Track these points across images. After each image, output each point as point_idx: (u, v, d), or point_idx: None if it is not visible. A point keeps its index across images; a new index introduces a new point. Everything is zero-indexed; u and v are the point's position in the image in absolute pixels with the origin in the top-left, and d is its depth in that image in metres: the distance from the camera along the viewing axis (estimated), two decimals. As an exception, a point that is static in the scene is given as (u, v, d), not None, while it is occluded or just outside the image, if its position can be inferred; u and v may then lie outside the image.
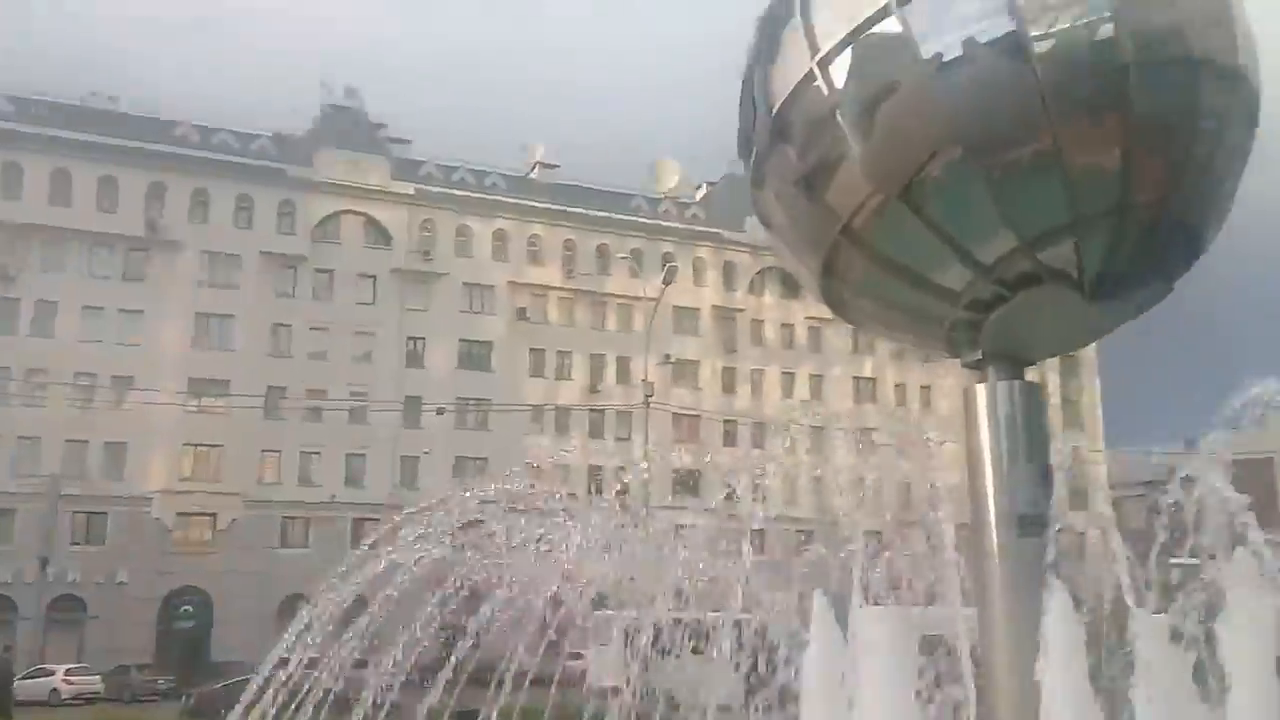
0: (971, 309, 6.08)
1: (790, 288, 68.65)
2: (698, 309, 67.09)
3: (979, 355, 6.33)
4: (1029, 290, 5.90)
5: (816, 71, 5.96)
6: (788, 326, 68.96)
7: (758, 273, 69.25)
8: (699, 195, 73.77)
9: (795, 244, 6.72)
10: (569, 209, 65.98)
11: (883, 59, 5.79)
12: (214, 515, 54.57)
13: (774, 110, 6.27)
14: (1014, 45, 5.47)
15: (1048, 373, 71.65)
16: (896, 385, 68.70)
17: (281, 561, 52.43)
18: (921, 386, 69.08)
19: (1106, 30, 5.49)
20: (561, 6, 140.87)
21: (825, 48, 5.95)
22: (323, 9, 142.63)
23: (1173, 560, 6.43)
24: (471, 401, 60.12)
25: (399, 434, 57.72)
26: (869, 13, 5.80)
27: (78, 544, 50.56)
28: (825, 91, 5.93)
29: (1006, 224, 5.79)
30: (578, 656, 15.82)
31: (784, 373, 68.29)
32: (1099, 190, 5.66)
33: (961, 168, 5.65)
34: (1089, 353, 74.32)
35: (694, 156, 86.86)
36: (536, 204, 65.54)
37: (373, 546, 9.87)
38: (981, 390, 6.30)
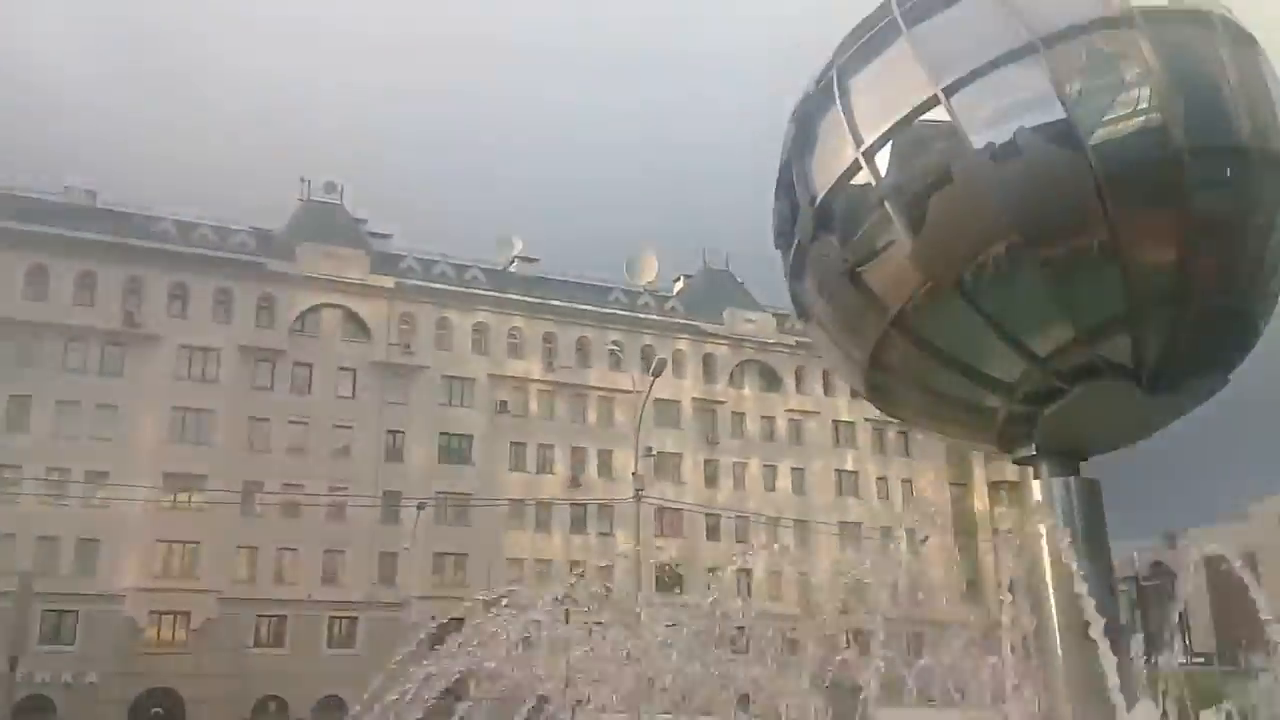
0: (1026, 401, 5.89)
1: (770, 381, 68.72)
2: (678, 401, 66.76)
3: (1032, 450, 6.11)
4: (1085, 384, 5.72)
5: (862, 161, 5.85)
6: (768, 419, 68.67)
7: (737, 365, 69.17)
8: (676, 288, 74.09)
9: (839, 336, 6.53)
10: (548, 301, 66.01)
11: (932, 148, 5.69)
12: (187, 614, 53.01)
13: (816, 201, 6.14)
14: (1066, 134, 5.38)
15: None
16: (879, 478, 68.30)
17: (255, 661, 50.93)
18: (903, 480, 68.76)
19: (1156, 119, 5.41)
20: (534, 103, 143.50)
21: (869, 138, 5.86)
22: (302, 102, 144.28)
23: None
24: (451, 496, 59.26)
25: (377, 530, 56.60)
26: (915, 101, 5.72)
27: (47, 643, 48.91)
28: (872, 181, 5.82)
29: (1063, 315, 5.65)
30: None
31: (765, 465, 67.75)
32: (1157, 283, 5.53)
33: (1017, 258, 5.51)
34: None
35: (670, 250, 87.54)
36: (516, 296, 65.52)
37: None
38: (1037, 486, 6.08)
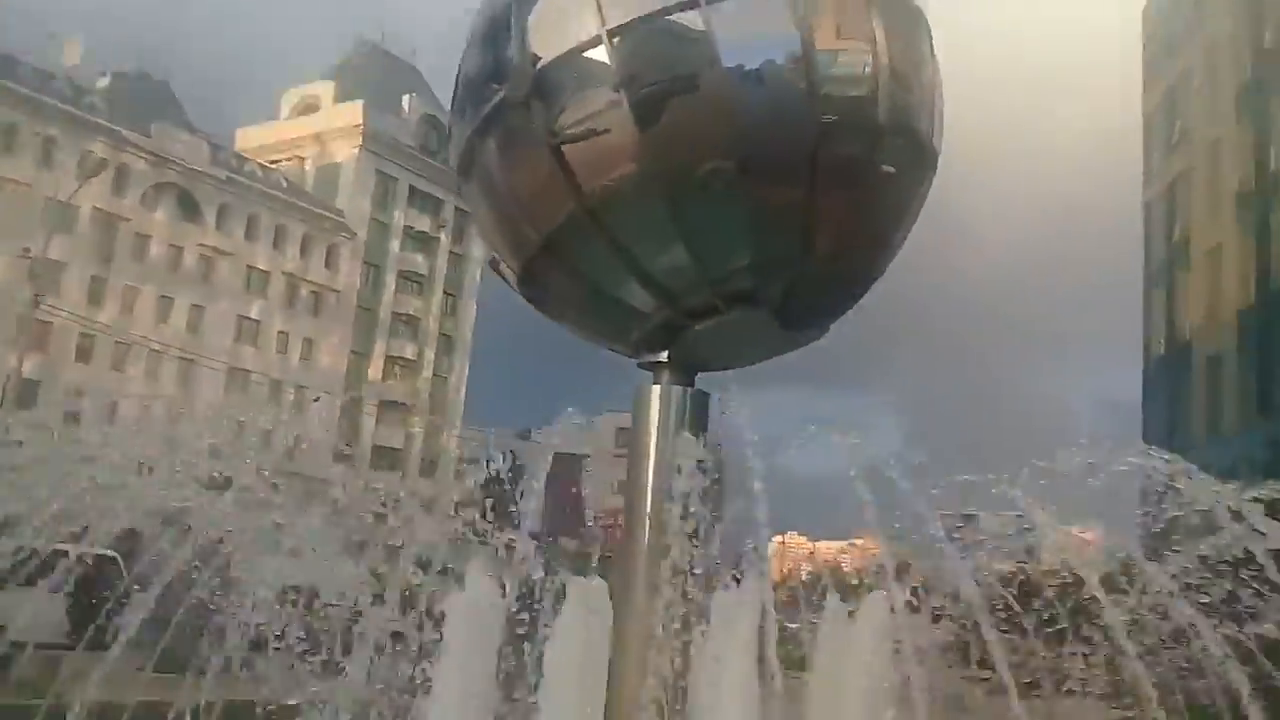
0: (683, 314, 6.17)
1: (189, 209, 63.68)
2: (77, 207, 59.23)
3: (662, 358, 6.42)
4: (739, 309, 6.12)
5: (604, 39, 5.67)
6: (176, 248, 63.64)
7: (154, 185, 63.04)
8: (101, 83, 65.24)
9: (514, 208, 6.32)
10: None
11: (682, 52, 5.70)
12: None
13: (539, 64, 5.85)
14: (806, 79, 5.68)
15: (426, 348, 74.54)
16: (281, 332, 66.65)
17: None
18: (305, 339, 67.87)
19: (871, 93, 5.90)
20: None
21: (616, 20, 5.69)
22: None
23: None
24: None
25: None
26: (669, 1, 5.68)
27: None
28: (610, 64, 5.67)
29: (744, 244, 6.01)
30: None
31: (162, 296, 62.85)
32: (827, 234, 6.05)
33: (730, 182, 5.73)
34: (466, 336, 78.58)
35: (100, 38, 77.11)
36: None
37: None
38: (656, 392, 6.39)
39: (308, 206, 69.80)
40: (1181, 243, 50.14)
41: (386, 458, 69.58)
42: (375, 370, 71.85)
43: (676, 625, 5.80)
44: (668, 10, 5.69)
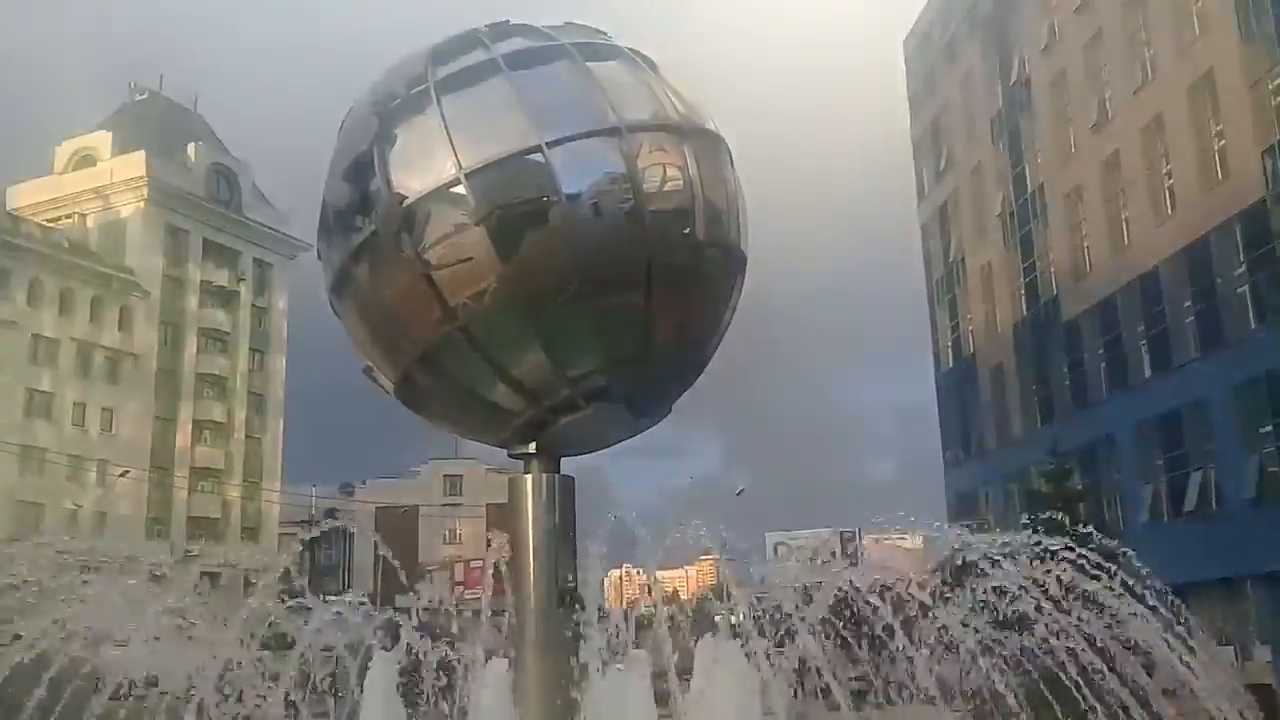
0: (548, 411, 7.10)
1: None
2: None
3: (530, 449, 7.33)
4: (597, 403, 7.10)
5: (463, 180, 6.58)
6: (-47, 320, 59.70)
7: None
8: None
9: (390, 327, 7.12)
10: None
11: (532, 189, 6.65)
12: None
13: (405, 201, 6.69)
14: (635, 210, 6.73)
15: (236, 408, 72.18)
16: (77, 403, 63.21)
17: None
18: (104, 408, 64.58)
19: (689, 213, 7.00)
20: None
21: (471, 162, 6.61)
22: None
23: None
24: None
25: None
26: (519, 146, 6.65)
27: None
28: (471, 201, 6.57)
29: (594, 347, 7.02)
30: None
31: (-61, 372, 58.78)
32: (661, 337, 7.08)
33: (577, 298, 6.71)
34: (278, 393, 76.50)
35: None
36: None
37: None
38: (528, 481, 7.30)
39: (94, 267, 66.46)
40: (957, 261, 54.33)
41: (204, 528, 66.85)
42: (183, 437, 68.74)
43: (569, 686, 6.67)
44: (516, 153, 6.64)
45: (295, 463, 78.94)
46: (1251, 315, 31.57)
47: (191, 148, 74.68)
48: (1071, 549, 7.74)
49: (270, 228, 77.22)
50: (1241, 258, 32.05)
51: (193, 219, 72.92)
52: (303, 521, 65.80)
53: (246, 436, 72.60)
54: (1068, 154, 42.67)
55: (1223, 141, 32.99)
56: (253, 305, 75.71)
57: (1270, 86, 30.56)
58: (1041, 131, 44.83)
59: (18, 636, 7.34)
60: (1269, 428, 30.99)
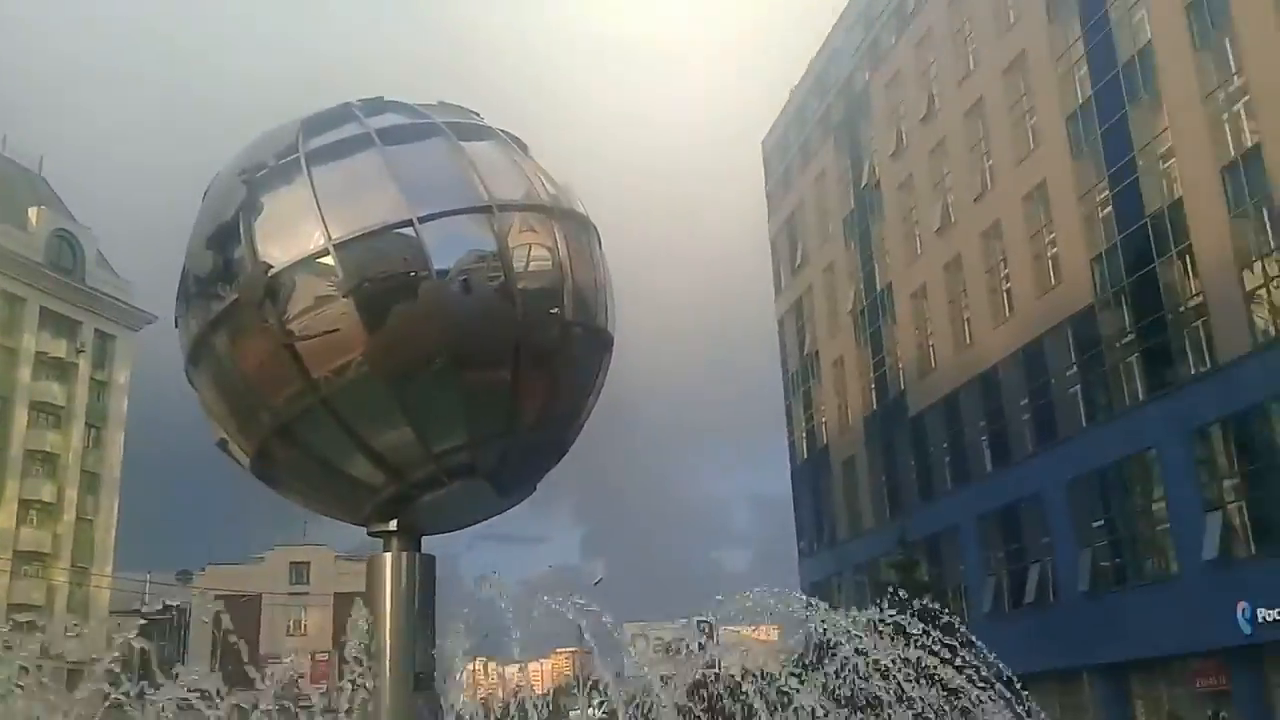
0: (413, 486, 6.99)
1: None
2: None
3: (391, 527, 7.18)
4: (462, 480, 7.03)
5: (331, 251, 6.53)
6: None
7: None
8: None
9: (249, 397, 6.93)
10: None
11: (400, 262, 6.63)
12: None
13: (271, 271, 6.59)
14: (504, 286, 6.79)
15: (67, 487, 68.24)
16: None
17: None
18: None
19: (557, 294, 7.09)
20: None
21: (339, 233, 6.58)
22: None
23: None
24: None
25: None
26: (390, 219, 6.65)
27: None
28: (339, 273, 6.51)
29: (455, 425, 6.97)
30: None
31: None
32: (496, 411, 7.04)
33: (444, 373, 6.68)
34: (112, 472, 72.70)
35: None
36: None
37: None
38: (388, 560, 7.14)
39: (-83, 334, 62.72)
40: (811, 355, 55.99)
41: (26, 614, 62.47)
42: (6, 517, 64.49)
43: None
44: (386, 226, 6.63)
45: (130, 546, 74.96)
46: (1083, 414, 33.34)
47: (33, 211, 71.50)
48: (925, 626, 7.97)
49: (114, 297, 74.20)
50: (1073, 359, 33.97)
51: (30, 285, 69.51)
52: (135, 609, 62.11)
53: (77, 518, 68.54)
54: (914, 255, 44.71)
55: (1055, 249, 35.16)
56: (91, 378, 72.13)
57: (1098, 199, 32.86)
58: (890, 232, 46.94)
59: None
60: (1100, 522, 32.60)
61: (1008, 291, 38.03)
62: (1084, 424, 33.13)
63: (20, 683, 8.05)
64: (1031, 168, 36.19)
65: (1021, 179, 36.70)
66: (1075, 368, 33.86)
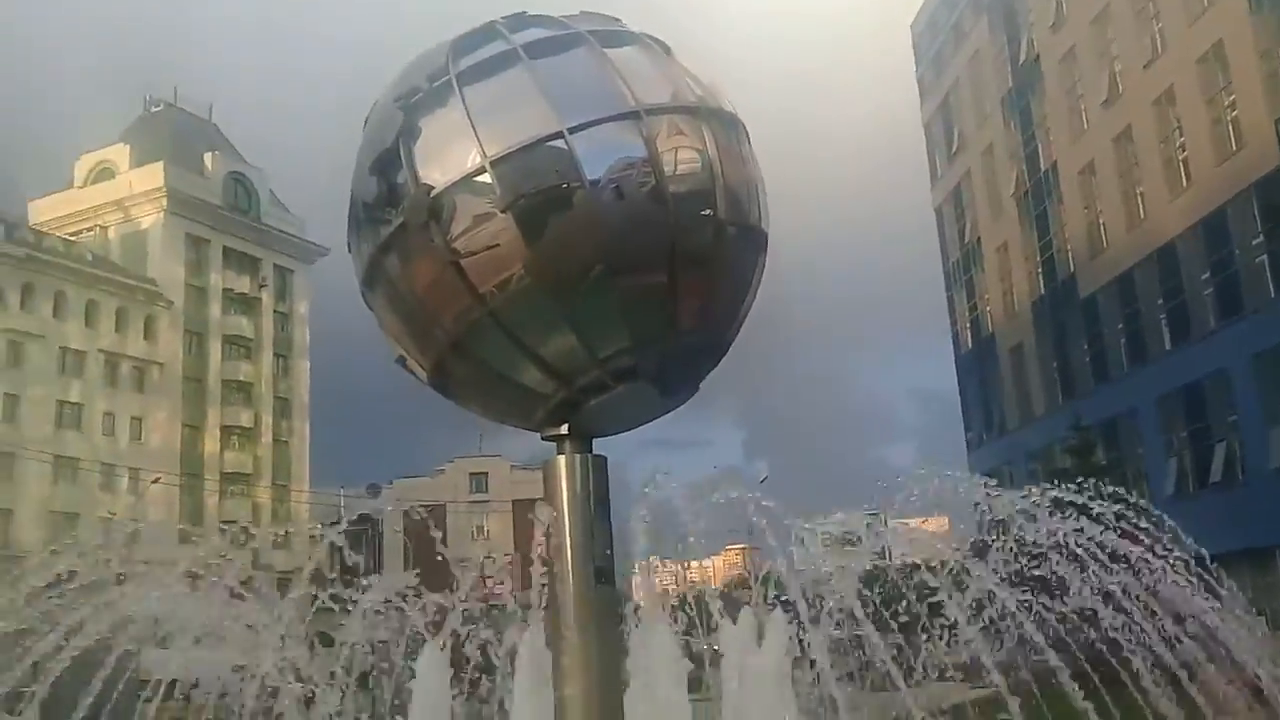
0: (579, 391, 7.26)
1: (-12, 292, 60.47)
2: None
3: (563, 430, 7.49)
4: (627, 383, 7.26)
5: (488, 168, 6.74)
6: (-20, 337, 60.43)
7: (-53, 267, 59.79)
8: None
9: (423, 316, 7.29)
10: None
11: (555, 175, 6.80)
12: None
13: (433, 192, 6.87)
14: (657, 190, 6.88)
15: (262, 413, 72.78)
16: (106, 413, 63.95)
17: None
18: (133, 417, 65.30)
19: (711, 195, 7.14)
20: None
21: (494, 150, 6.78)
22: None
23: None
24: None
25: None
26: (541, 132, 6.79)
27: None
28: (497, 189, 6.73)
29: (617, 329, 7.16)
30: None
31: (-31, 387, 59.55)
32: (655, 315, 7.17)
33: (602, 281, 6.87)
34: (303, 397, 77.10)
35: None
36: None
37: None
38: (562, 462, 7.47)
39: (117, 278, 67.08)
40: (973, 243, 54.23)
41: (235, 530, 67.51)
42: (211, 442, 69.41)
43: (606, 660, 6.87)
44: (538, 140, 6.80)
45: (323, 464, 79.53)
46: (1270, 284, 31.49)
47: (208, 157, 75.30)
48: (1116, 506, 7.84)
49: (289, 234, 77.86)
50: (1258, 227, 31.97)
51: (212, 228, 73.55)
52: (333, 522, 66.22)
53: (274, 440, 73.17)
54: (1080, 130, 42.60)
55: (1235, 112, 32.93)
56: (275, 311, 76.32)
57: (1282, 55, 30.48)
58: (1053, 108, 44.79)
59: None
60: (1293, 396, 30.96)
61: (1184, 161, 35.90)
62: (1272, 294, 31.28)
63: (243, 593, 8.80)
64: (1206, 27, 33.79)
65: (1195, 40, 34.33)
66: (1261, 236, 31.89)
